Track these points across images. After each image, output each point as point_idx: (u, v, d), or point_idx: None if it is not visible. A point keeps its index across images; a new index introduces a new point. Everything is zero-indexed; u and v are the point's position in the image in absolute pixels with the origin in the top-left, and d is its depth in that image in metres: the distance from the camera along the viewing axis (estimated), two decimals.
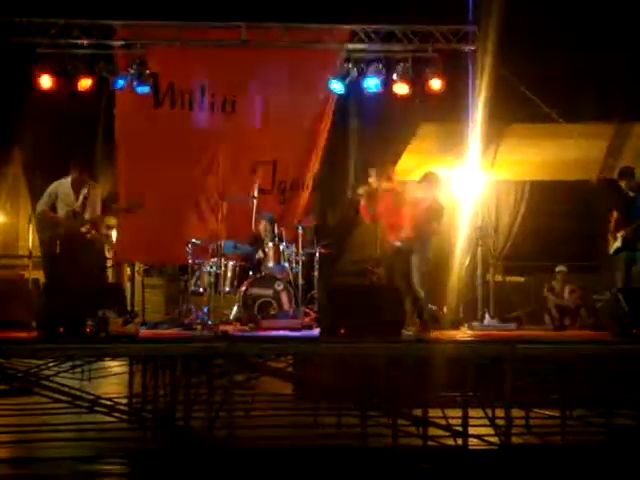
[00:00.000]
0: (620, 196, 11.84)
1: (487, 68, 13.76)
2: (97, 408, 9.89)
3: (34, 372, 9.78)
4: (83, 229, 11.45)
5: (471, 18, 14.07)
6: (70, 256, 11.26)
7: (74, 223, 11.44)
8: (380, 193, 11.43)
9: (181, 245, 12.62)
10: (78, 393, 10.04)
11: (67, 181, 11.62)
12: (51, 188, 11.62)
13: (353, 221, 14.36)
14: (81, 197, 11.57)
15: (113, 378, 12.20)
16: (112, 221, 14.06)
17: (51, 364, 9.86)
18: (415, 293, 11.14)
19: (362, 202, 11.52)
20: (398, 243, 11.23)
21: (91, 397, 10.14)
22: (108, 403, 10.17)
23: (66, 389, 9.88)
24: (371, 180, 11.53)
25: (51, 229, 11.44)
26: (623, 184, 11.76)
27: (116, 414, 9.90)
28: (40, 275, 12.33)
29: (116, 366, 12.28)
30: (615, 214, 11.75)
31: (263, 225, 12.87)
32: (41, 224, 11.66)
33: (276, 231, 12.80)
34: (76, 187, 11.60)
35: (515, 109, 14.36)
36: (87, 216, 11.55)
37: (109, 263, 13.98)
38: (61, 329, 9.48)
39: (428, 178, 11.53)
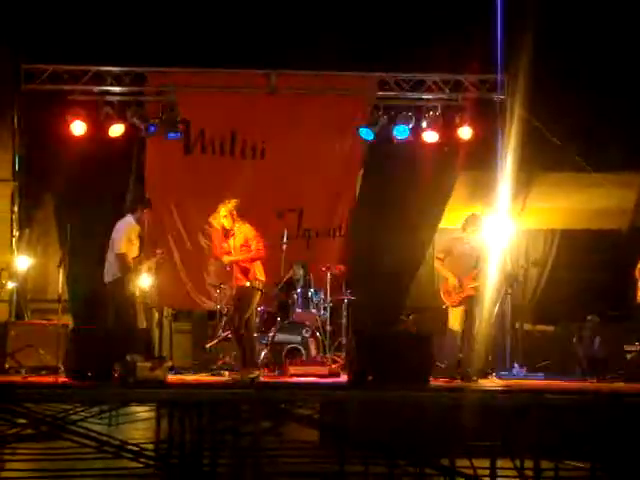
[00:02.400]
0: None
1: (516, 116, 13.79)
2: (123, 453, 9.86)
3: (62, 417, 9.77)
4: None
5: (500, 67, 14.11)
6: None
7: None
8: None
9: (209, 290, 12.66)
10: (105, 438, 10.01)
11: (132, 222, 11.53)
12: (130, 229, 11.46)
13: (384, 269, 14.36)
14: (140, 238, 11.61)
15: (140, 423, 12.16)
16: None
17: (79, 409, 9.86)
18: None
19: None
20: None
21: (117, 442, 10.12)
22: (135, 449, 10.13)
23: (93, 434, 9.86)
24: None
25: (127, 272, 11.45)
26: None
27: (142, 460, 9.87)
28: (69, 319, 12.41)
29: (143, 411, 12.26)
30: None
31: (294, 271, 12.89)
32: (124, 266, 11.55)
33: (307, 277, 12.82)
34: (140, 229, 11.61)
35: (544, 158, 14.34)
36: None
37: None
38: (89, 374, 9.51)
39: (477, 221, 11.63)
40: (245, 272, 11.20)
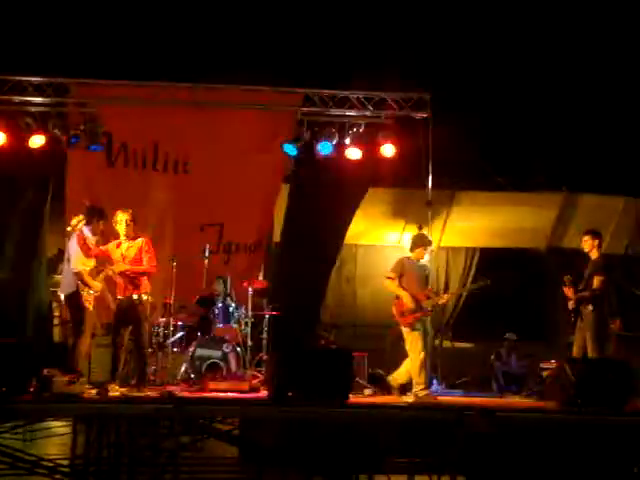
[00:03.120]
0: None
1: (438, 135, 13.91)
2: (38, 470, 9.70)
3: None
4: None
5: (424, 86, 14.23)
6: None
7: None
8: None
9: None
10: (19, 454, 9.83)
11: (88, 234, 11.29)
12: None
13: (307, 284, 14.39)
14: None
15: (56, 439, 11.98)
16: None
17: None
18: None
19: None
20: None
21: (32, 458, 9.94)
22: (49, 464, 9.97)
23: (7, 450, 9.68)
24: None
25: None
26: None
27: (57, 476, 9.71)
28: None
29: (60, 426, 12.08)
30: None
31: (215, 285, 12.84)
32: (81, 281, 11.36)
33: (227, 292, 12.77)
34: (95, 240, 11.42)
35: (466, 177, 14.52)
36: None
37: (56, 321, 13.81)
38: (4, 389, 9.35)
39: (425, 241, 11.62)
40: (136, 284, 11.14)
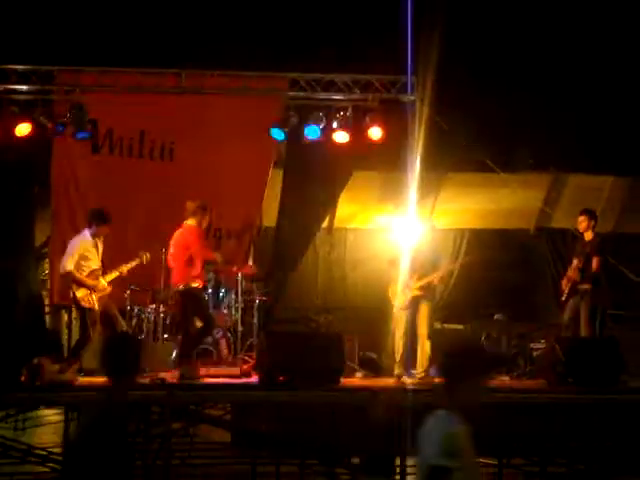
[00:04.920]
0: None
1: (425, 118, 13.90)
2: (30, 458, 9.71)
3: None
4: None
5: (410, 68, 14.21)
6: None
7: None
8: None
9: (120, 290, 12.52)
10: (11, 443, 9.85)
11: (87, 235, 11.36)
12: (80, 247, 11.25)
13: (295, 268, 14.41)
14: (100, 251, 11.40)
15: (49, 427, 12.01)
16: None
17: None
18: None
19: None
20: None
21: (24, 447, 9.96)
22: (42, 453, 9.99)
23: None
24: None
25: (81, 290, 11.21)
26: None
27: (49, 464, 9.74)
28: None
29: (52, 414, 12.10)
30: (574, 262, 11.77)
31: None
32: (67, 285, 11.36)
33: (216, 277, 12.76)
34: (95, 241, 11.41)
35: (453, 159, 14.51)
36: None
37: (47, 309, 13.82)
38: None
39: None
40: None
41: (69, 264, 11.10)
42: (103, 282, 11.22)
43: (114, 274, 11.41)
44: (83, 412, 7.70)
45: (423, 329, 11.41)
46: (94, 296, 11.10)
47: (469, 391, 4.89)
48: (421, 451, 4.87)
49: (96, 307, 11.10)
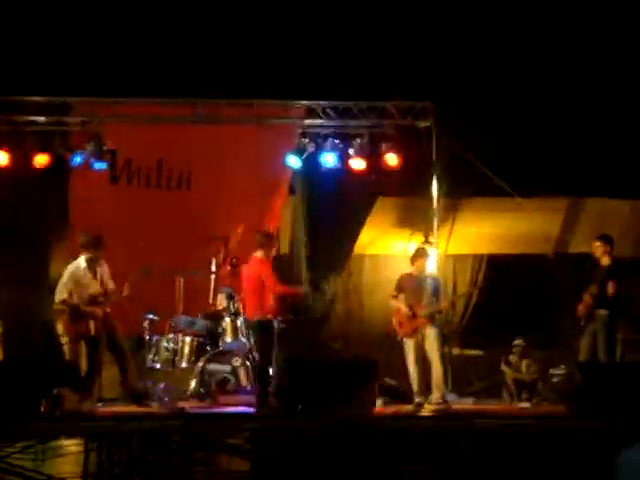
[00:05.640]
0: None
1: (442, 143, 13.91)
2: None
3: None
4: (108, 309, 11.32)
5: (427, 94, 14.23)
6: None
7: (103, 305, 11.29)
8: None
9: (137, 319, 12.54)
10: (30, 474, 9.84)
11: (80, 263, 11.39)
12: (69, 275, 11.30)
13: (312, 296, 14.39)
14: (98, 276, 11.38)
15: (68, 457, 11.97)
16: None
17: (4, 444, 9.68)
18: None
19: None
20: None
21: (44, 478, 9.95)
22: None
23: (18, 469, 9.69)
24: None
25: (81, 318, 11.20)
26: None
27: None
28: None
29: (71, 445, 12.07)
30: (592, 288, 11.74)
31: (220, 299, 12.83)
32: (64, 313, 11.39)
33: (234, 305, 12.75)
34: (92, 267, 11.40)
35: (471, 183, 14.46)
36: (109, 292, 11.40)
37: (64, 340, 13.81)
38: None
39: (423, 253, 11.99)
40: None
41: (63, 293, 11.13)
42: (97, 309, 11.22)
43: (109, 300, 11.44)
44: None
45: (432, 354, 11.44)
46: (92, 323, 11.11)
47: None
48: None
49: (93, 333, 11.11)
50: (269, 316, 11.39)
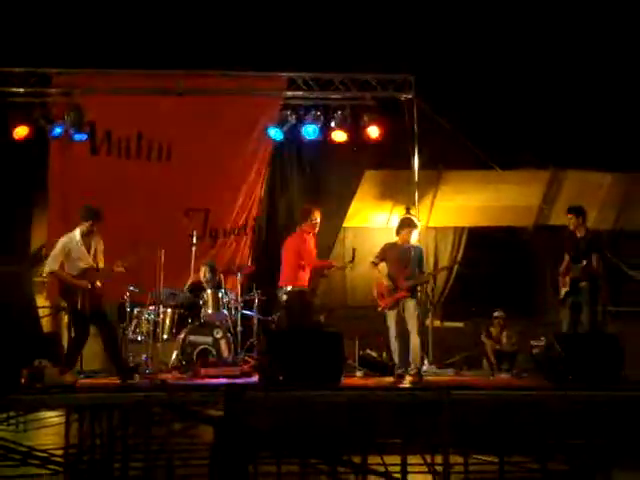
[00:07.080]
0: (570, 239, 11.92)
1: (424, 116, 13.91)
2: (31, 460, 9.70)
3: None
4: (99, 283, 11.21)
5: (408, 66, 14.22)
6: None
7: (93, 279, 11.18)
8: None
9: (119, 291, 12.52)
10: (11, 445, 9.83)
11: (75, 235, 11.28)
12: (61, 245, 11.10)
13: None
14: (92, 250, 11.28)
15: (49, 429, 11.98)
16: None
17: None
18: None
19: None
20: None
21: (25, 449, 9.95)
22: (43, 455, 9.97)
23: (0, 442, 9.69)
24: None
25: (70, 290, 11.13)
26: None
27: (51, 466, 9.72)
28: None
29: (52, 416, 12.07)
30: (566, 258, 11.79)
31: (203, 272, 12.83)
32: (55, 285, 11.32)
33: (216, 278, 12.76)
34: (86, 240, 11.30)
35: (452, 156, 14.50)
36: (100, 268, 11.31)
37: (46, 311, 13.78)
38: None
39: (410, 223, 11.78)
40: None
41: (54, 264, 11.04)
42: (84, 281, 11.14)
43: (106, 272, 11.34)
44: None
45: (411, 326, 11.43)
46: (80, 296, 11.01)
47: None
48: None
49: (80, 307, 11.02)
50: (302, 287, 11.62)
